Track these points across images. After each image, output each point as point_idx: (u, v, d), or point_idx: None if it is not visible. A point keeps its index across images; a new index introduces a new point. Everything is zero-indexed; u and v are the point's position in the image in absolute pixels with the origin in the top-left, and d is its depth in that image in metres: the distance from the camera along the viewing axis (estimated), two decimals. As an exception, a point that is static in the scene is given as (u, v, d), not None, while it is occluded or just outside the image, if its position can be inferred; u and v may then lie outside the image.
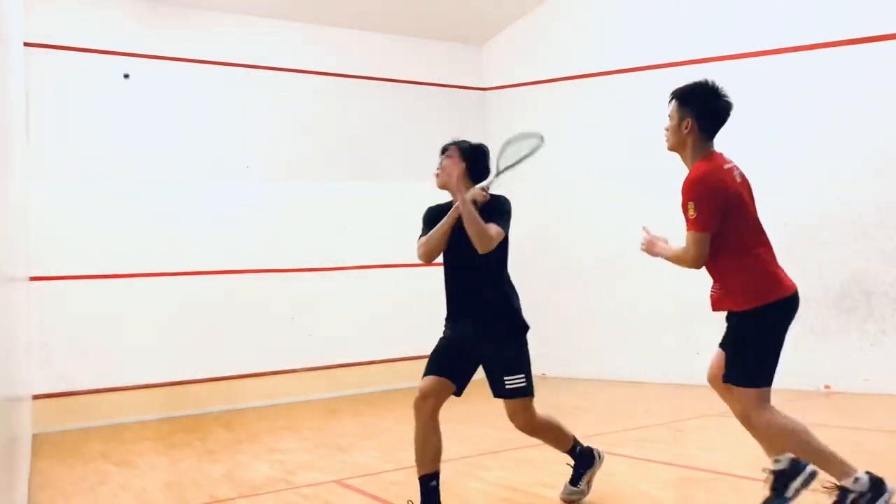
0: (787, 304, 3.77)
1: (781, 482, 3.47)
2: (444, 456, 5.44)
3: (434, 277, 11.95)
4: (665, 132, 4.02)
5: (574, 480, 3.97)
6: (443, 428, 5.71)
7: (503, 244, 3.90)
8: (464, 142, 4.18)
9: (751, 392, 3.63)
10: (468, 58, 12.18)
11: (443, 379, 3.87)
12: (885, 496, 3.28)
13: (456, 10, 11.01)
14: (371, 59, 11.26)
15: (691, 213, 3.60)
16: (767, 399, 3.68)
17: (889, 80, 6.99)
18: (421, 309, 10.93)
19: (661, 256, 3.99)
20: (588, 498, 4.14)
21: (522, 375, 3.90)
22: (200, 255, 9.56)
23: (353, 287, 10.46)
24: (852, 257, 7.22)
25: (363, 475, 5.06)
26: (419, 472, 3.81)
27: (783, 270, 3.86)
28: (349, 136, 10.92)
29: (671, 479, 4.39)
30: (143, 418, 8.81)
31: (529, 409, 3.96)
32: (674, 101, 3.90)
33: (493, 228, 3.78)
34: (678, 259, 3.90)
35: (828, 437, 5.34)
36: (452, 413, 5.75)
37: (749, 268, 3.75)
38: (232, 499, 4.70)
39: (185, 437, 7.34)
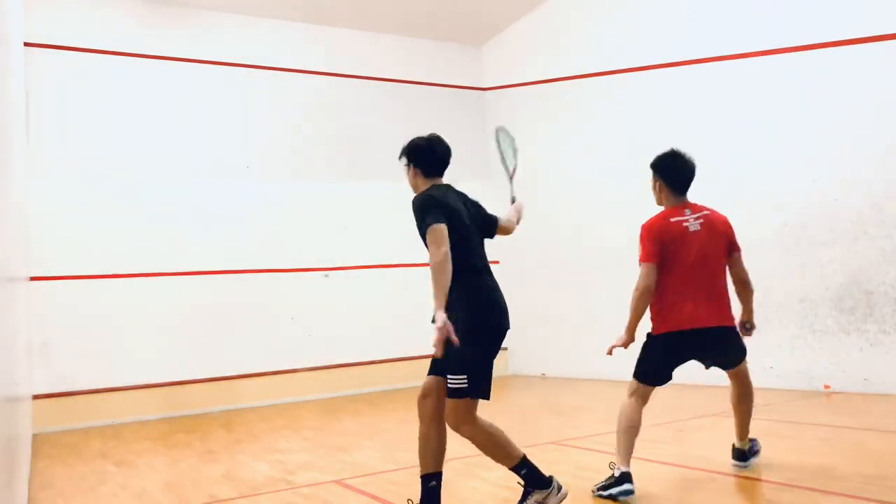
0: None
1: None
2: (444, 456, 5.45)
3: (434, 277, 11.87)
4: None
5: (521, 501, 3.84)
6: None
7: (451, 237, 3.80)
8: (403, 148, 4.14)
9: None
10: (468, 58, 12.19)
11: (440, 377, 3.85)
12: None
13: (456, 10, 11.01)
14: (371, 59, 11.26)
15: None
16: None
17: (889, 80, 6.99)
18: (421, 309, 10.93)
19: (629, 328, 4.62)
20: (587, 497, 4.14)
21: (464, 376, 3.78)
22: (200, 255, 9.56)
23: (352, 287, 10.46)
24: (852, 257, 7.22)
25: (363, 475, 5.06)
26: (421, 470, 3.80)
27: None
28: (349, 136, 10.92)
29: (671, 479, 4.39)
30: (142, 418, 8.81)
31: (463, 413, 3.78)
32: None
33: (430, 247, 3.72)
34: None
35: (828, 437, 5.35)
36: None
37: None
38: (232, 499, 4.70)
39: (185, 437, 7.34)
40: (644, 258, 4.44)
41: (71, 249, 8.90)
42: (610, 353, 4.68)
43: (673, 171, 4.72)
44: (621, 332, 4.75)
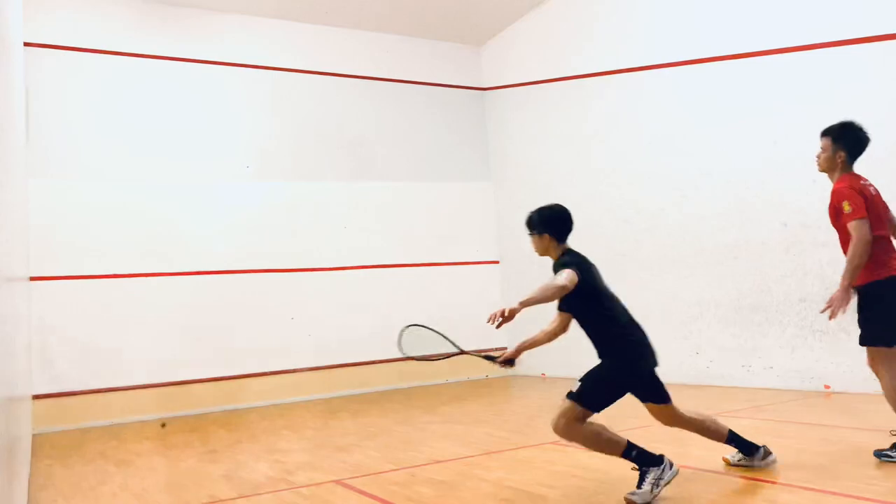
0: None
1: None
2: (444, 456, 5.46)
3: (434, 277, 11.98)
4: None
5: None
6: (443, 428, 5.75)
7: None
8: (533, 214, 4.57)
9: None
10: (468, 58, 12.19)
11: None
12: None
13: (456, 10, 11.01)
14: (371, 59, 11.27)
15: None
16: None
17: (889, 80, 6.99)
18: (421, 309, 10.94)
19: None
20: (587, 497, 4.14)
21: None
22: (200, 255, 9.56)
23: (352, 287, 10.46)
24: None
25: (363, 475, 5.06)
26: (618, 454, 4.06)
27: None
28: (349, 136, 10.93)
29: (671, 480, 4.38)
30: (142, 418, 8.81)
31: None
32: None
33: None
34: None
35: (828, 437, 5.35)
36: (452, 414, 5.78)
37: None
38: (232, 499, 4.70)
39: (185, 437, 7.34)
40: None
41: (71, 249, 8.91)
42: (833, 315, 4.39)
43: (858, 143, 4.80)
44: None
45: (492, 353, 4.58)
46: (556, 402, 5.31)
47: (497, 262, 11.87)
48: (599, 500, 4.06)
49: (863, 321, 4.39)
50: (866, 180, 4.73)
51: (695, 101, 8.82)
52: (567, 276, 4.04)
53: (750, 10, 8.20)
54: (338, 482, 4.89)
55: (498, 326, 3.79)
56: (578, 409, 4.02)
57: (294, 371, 9.90)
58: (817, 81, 7.55)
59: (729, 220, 8.36)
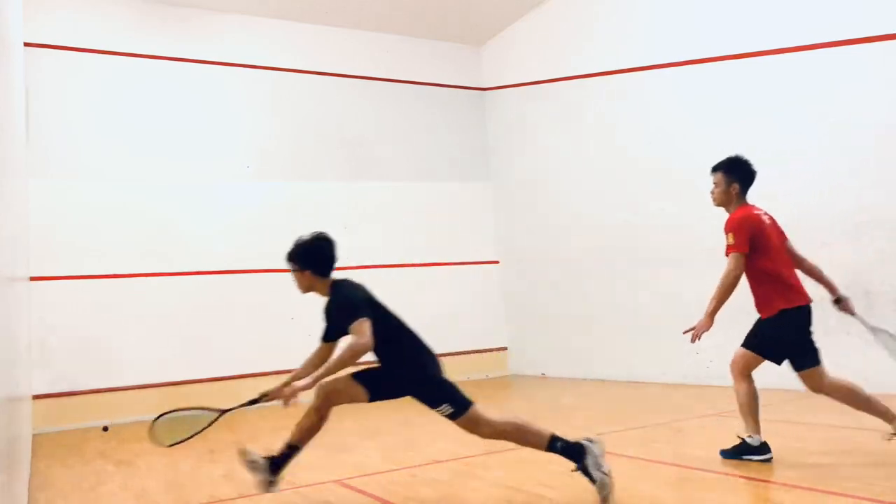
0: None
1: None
2: (444, 456, 5.46)
3: (433, 278, 11.99)
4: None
5: None
6: (443, 428, 5.73)
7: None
8: (291, 249, 4.32)
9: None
10: (468, 58, 12.19)
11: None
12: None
13: (456, 10, 11.01)
14: (371, 59, 11.27)
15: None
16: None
17: (889, 80, 6.98)
18: (420, 309, 10.93)
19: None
20: (587, 497, 4.14)
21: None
22: (200, 255, 9.56)
23: (352, 287, 10.46)
24: (852, 257, 7.21)
25: (363, 475, 5.06)
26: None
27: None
28: (349, 136, 10.92)
29: (671, 479, 4.39)
30: (142, 418, 8.80)
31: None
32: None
33: (349, 340, 3.97)
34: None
35: (828, 437, 5.35)
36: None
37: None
38: (232, 499, 4.70)
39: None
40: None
41: (71, 249, 8.91)
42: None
43: (749, 175, 5.02)
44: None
45: (254, 398, 4.51)
46: (556, 401, 5.31)
47: (497, 262, 11.87)
48: (599, 499, 4.05)
49: (761, 334, 4.83)
50: (761, 210, 4.92)
51: (695, 101, 8.82)
52: (363, 336, 4.00)
53: (750, 10, 8.20)
54: (338, 482, 4.89)
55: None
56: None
57: (294, 371, 9.89)
58: (817, 81, 7.55)
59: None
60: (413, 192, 11.17)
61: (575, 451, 3.84)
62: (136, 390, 8.93)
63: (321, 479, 5.02)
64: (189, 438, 4.27)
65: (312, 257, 4.27)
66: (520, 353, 11.61)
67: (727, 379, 8.32)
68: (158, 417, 4.28)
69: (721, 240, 8.42)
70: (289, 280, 10.55)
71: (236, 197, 9.94)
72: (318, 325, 11.07)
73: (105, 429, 8.09)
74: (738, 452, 4.64)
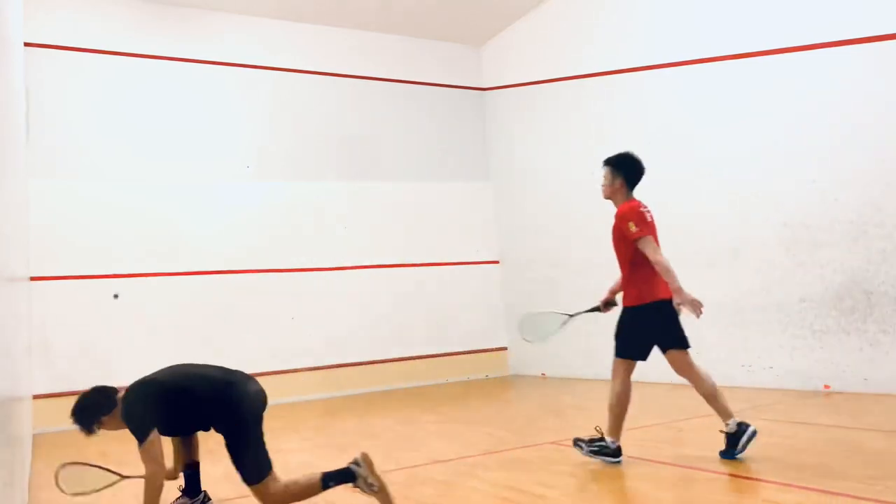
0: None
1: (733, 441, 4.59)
2: (444, 456, 5.46)
3: (434, 277, 11.98)
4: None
5: None
6: (443, 428, 5.76)
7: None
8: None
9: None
10: (467, 58, 12.19)
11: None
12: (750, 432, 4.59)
13: (456, 10, 11.01)
14: (371, 59, 11.27)
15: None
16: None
17: (889, 80, 6.99)
18: (420, 309, 10.96)
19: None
20: (587, 497, 4.14)
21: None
22: (200, 255, 9.56)
23: (352, 287, 10.47)
24: (852, 257, 7.22)
25: (363, 475, 5.05)
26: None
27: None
28: (349, 136, 10.93)
29: (671, 479, 4.39)
30: (143, 418, 8.79)
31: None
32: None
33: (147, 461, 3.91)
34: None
35: (828, 437, 5.35)
36: (452, 414, 5.78)
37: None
38: (232, 499, 4.71)
39: (185, 437, 7.32)
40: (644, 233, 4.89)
41: (71, 249, 8.91)
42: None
43: (635, 171, 5.17)
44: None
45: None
46: (556, 401, 5.31)
47: (497, 262, 11.87)
48: (599, 499, 4.06)
49: (623, 336, 5.01)
50: (646, 206, 5.09)
51: (695, 101, 8.82)
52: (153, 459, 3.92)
53: (750, 10, 8.20)
54: (338, 482, 4.88)
55: None
56: None
57: (294, 371, 9.90)
58: (817, 81, 7.55)
59: (729, 220, 8.36)
60: (413, 192, 11.17)
61: (348, 476, 3.89)
62: (136, 390, 8.92)
63: (321, 479, 5.01)
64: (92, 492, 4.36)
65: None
66: (520, 353, 11.60)
67: (727, 379, 8.35)
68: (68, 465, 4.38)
69: (721, 240, 8.45)
70: (289, 280, 10.61)
71: (236, 197, 9.94)
72: (318, 325, 11.09)
73: (116, 296, 8.10)
74: (593, 451, 4.81)
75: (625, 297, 5.12)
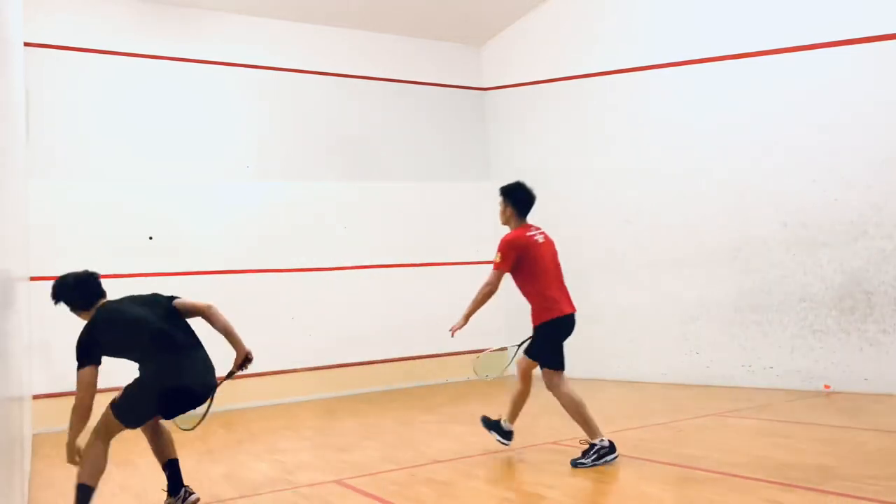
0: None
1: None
2: (444, 456, 5.46)
3: (433, 277, 11.98)
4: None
5: None
6: (443, 428, 5.76)
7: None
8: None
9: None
10: (468, 58, 12.19)
11: None
12: (615, 454, 4.87)
13: (456, 10, 11.01)
14: (371, 59, 11.26)
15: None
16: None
17: (889, 80, 6.99)
18: (420, 309, 10.95)
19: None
20: (587, 497, 4.14)
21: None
22: (200, 255, 9.56)
23: (352, 287, 10.46)
24: (852, 257, 7.22)
25: (363, 475, 5.06)
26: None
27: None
28: (349, 136, 10.92)
29: (671, 479, 4.39)
30: (143, 418, 8.79)
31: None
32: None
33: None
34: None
35: (828, 437, 5.35)
36: (452, 414, 5.78)
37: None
38: (232, 499, 4.71)
39: (185, 437, 7.33)
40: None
41: (71, 249, 8.90)
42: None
43: (523, 200, 5.58)
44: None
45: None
46: (556, 401, 5.33)
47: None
48: (599, 499, 4.06)
49: (538, 352, 5.36)
50: (536, 230, 5.51)
51: (695, 101, 8.82)
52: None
53: (750, 10, 8.20)
54: (338, 482, 4.89)
55: None
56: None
57: (294, 371, 9.90)
58: (817, 81, 7.55)
59: (729, 220, 8.36)
60: (413, 192, 11.17)
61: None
62: (136, 390, 8.92)
63: (321, 479, 5.02)
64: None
65: (64, 292, 4.83)
66: (520, 352, 11.59)
67: (727, 379, 8.37)
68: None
69: (721, 240, 8.45)
70: (289, 280, 10.62)
71: (236, 197, 9.94)
72: (318, 325, 11.10)
73: (150, 238, 8.19)
74: (490, 426, 5.54)
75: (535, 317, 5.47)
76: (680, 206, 8.96)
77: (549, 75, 10.99)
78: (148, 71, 9.68)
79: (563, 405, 5.18)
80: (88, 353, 4.34)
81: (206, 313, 4.41)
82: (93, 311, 4.38)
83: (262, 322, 9.76)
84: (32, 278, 8.27)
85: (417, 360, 10.71)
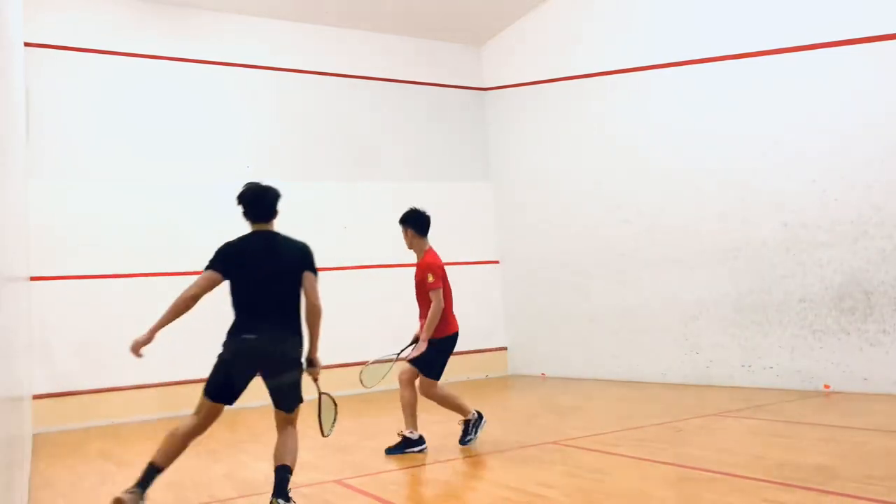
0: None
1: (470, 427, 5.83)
2: (444, 456, 5.46)
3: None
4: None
5: None
6: (443, 428, 5.76)
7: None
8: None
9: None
10: (468, 58, 12.19)
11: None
12: (484, 421, 5.88)
13: (456, 10, 11.01)
14: (371, 59, 11.27)
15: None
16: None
17: (889, 80, 6.99)
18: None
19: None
20: (587, 497, 4.14)
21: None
22: (200, 255, 9.52)
23: (352, 287, 10.46)
24: (852, 257, 7.22)
25: (363, 475, 5.06)
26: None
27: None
28: (349, 136, 10.92)
29: (671, 479, 4.39)
30: (142, 418, 8.81)
31: None
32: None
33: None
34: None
35: (828, 437, 5.35)
36: (451, 414, 5.77)
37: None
38: (232, 499, 4.71)
39: (186, 437, 7.32)
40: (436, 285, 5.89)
41: (71, 249, 8.90)
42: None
43: (420, 223, 5.98)
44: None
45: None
46: (556, 401, 5.32)
47: (497, 262, 11.87)
48: (599, 499, 4.06)
49: (430, 362, 5.70)
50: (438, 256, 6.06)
51: (695, 101, 8.82)
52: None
53: (750, 10, 8.20)
54: (338, 482, 4.89)
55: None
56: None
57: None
58: (817, 81, 7.55)
59: (729, 220, 8.36)
60: (413, 192, 11.14)
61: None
62: (136, 390, 8.93)
63: (321, 479, 5.02)
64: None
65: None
66: (520, 353, 11.61)
67: (727, 379, 8.37)
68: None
69: (721, 240, 8.46)
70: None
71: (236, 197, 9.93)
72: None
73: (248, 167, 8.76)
74: (402, 447, 5.63)
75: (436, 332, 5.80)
76: (680, 206, 8.96)
77: (549, 75, 10.99)
78: (148, 71, 9.68)
79: (438, 402, 5.75)
80: (212, 258, 4.64)
81: (314, 307, 4.53)
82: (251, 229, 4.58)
83: (262, 322, 9.76)
84: (32, 278, 8.28)
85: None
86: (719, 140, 8.50)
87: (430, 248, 6.00)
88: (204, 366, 10.25)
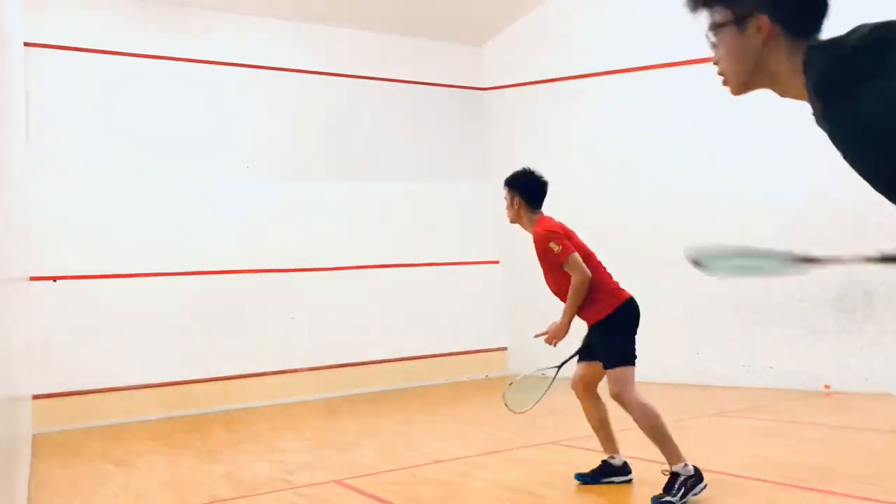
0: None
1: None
2: (444, 456, 5.46)
3: (434, 277, 11.95)
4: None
5: None
6: (443, 428, 5.76)
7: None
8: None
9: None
10: (467, 58, 12.18)
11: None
12: (703, 485, 3.94)
13: (456, 10, 11.01)
14: (371, 59, 11.26)
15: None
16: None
17: (889, 80, 6.99)
18: (421, 309, 10.95)
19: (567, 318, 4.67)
20: (587, 497, 4.14)
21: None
22: (200, 255, 9.56)
23: (352, 287, 10.46)
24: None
25: (363, 475, 5.06)
26: None
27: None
28: (349, 136, 10.92)
29: (671, 479, 4.38)
30: (142, 418, 8.81)
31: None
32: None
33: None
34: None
35: (828, 437, 5.35)
36: (452, 413, 5.78)
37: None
38: (232, 499, 4.71)
39: (185, 437, 7.34)
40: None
41: (71, 249, 8.90)
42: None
43: (531, 187, 4.85)
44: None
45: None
46: (556, 401, 5.33)
47: (497, 262, 11.86)
48: (599, 499, 4.06)
49: (611, 347, 4.52)
50: (557, 222, 4.94)
51: (695, 101, 8.82)
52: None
53: (750, 10, 8.20)
54: (338, 482, 4.89)
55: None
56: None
57: (294, 371, 9.89)
58: (817, 81, 7.55)
59: (729, 219, 8.36)
60: (413, 192, 11.17)
61: None
62: (136, 390, 8.92)
63: (321, 479, 5.02)
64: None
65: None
66: (520, 353, 11.59)
67: (727, 379, 8.37)
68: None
69: (721, 240, 8.44)
70: (289, 279, 10.60)
71: (236, 197, 9.93)
72: (318, 325, 11.07)
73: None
74: (599, 476, 4.54)
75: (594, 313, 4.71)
76: (680, 205, 8.96)
77: (548, 75, 10.99)
78: (148, 71, 9.67)
79: (633, 416, 4.43)
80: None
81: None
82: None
83: (263, 322, 9.77)
84: (32, 278, 8.28)
85: (417, 360, 10.71)
86: (719, 139, 8.50)
87: (543, 216, 4.84)
88: (203, 366, 10.27)
